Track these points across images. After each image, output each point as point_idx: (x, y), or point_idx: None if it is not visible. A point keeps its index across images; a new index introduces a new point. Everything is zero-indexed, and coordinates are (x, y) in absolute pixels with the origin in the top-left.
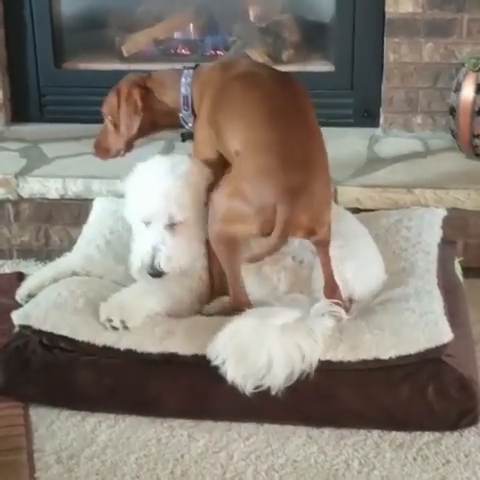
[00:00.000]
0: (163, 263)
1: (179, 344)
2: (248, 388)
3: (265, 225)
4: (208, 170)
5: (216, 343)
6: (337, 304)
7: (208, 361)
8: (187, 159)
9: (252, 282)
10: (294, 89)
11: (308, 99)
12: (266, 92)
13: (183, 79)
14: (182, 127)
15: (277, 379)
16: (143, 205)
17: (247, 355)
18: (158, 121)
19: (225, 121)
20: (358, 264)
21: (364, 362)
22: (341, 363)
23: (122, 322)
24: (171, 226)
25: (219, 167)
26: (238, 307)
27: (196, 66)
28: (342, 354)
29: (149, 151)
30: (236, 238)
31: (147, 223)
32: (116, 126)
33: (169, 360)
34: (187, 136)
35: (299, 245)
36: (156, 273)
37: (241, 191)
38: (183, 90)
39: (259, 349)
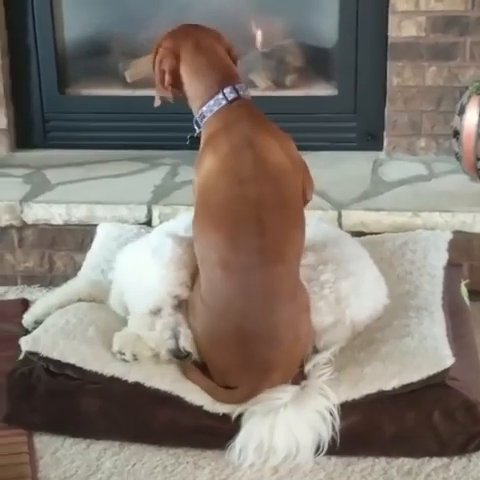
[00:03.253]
0: (188, 344)
1: (189, 391)
2: (283, 472)
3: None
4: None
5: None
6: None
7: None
8: (162, 236)
9: None
10: (276, 176)
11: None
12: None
13: (211, 102)
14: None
15: (308, 453)
16: (147, 298)
17: (271, 449)
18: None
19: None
20: (354, 284)
21: (368, 396)
22: (346, 402)
23: (134, 356)
24: (179, 304)
25: None
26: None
27: (235, 99)
28: (345, 394)
29: (155, 174)
30: None
31: (156, 312)
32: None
33: (174, 400)
34: (193, 140)
35: None
36: (183, 355)
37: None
38: (204, 109)
39: (279, 437)
